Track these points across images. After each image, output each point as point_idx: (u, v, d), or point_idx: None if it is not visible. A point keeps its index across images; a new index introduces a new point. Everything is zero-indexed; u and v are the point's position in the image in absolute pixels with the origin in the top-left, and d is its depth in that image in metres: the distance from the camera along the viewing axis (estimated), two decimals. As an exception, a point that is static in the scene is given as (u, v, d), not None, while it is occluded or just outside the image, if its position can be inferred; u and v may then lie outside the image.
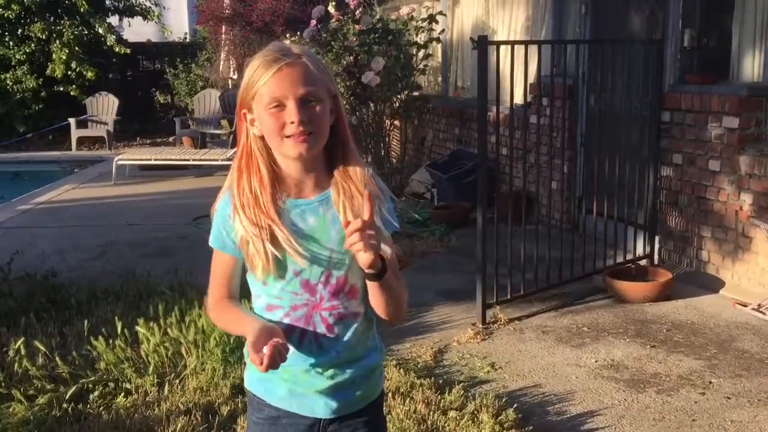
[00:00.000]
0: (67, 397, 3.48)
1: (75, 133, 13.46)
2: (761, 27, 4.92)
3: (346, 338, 1.67)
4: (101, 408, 3.46)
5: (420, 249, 6.27)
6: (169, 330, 3.98)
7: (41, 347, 3.85)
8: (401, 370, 3.73)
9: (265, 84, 1.56)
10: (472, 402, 3.42)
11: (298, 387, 1.68)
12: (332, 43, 8.13)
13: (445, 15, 8.79)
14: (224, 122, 13.36)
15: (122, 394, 3.56)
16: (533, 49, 5.10)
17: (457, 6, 8.97)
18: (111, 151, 12.94)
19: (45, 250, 6.23)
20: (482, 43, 4.48)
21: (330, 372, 1.67)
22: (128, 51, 14.63)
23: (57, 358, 3.80)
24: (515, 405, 3.41)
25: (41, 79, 14.16)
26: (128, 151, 11.68)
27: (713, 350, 4.09)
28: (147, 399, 3.53)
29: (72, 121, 13.45)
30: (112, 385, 3.67)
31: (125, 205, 8.62)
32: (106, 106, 13.98)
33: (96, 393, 3.57)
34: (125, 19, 15.65)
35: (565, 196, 6.52)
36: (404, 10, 8.77)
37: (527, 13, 7.41)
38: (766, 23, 4.89)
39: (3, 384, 3.60)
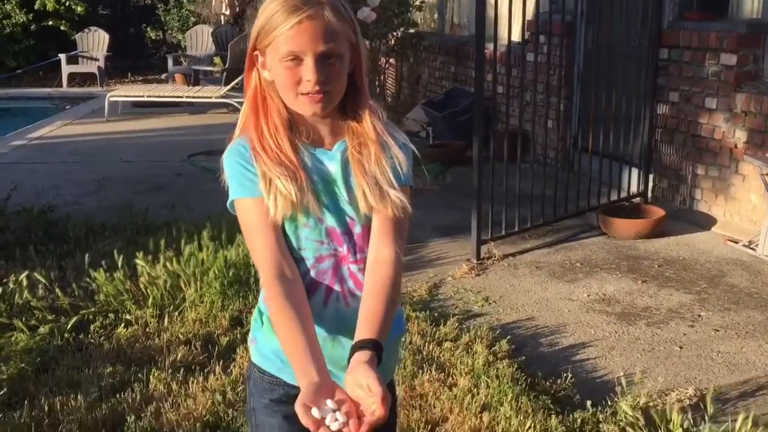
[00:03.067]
0: (68, 328, 3.53)
1: (65, 69, 13.27)
2: (763, -38, 4.86)
3: None
4: (102, 338, 3.52)
5: (415, 187, 6.28)
6: (167, 263, 4.02)
7: (41, 279, 3.89)
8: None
9: (282, 35, 1.45)
10: (466, 334, 3.49)
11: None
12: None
13: (442, -51, 8.63)
14: (217, 59, 13.19)
15: (122, 324, 3.62)
16: (532, -16, 5.04)
17: (455, -60, 8.80)
18: (102, 88, 12.79)
19: (40, 186, 6.22)
20: (481, -23, 4.41)
21: None
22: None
23: (57, 290, 3.84)
24: (508, 337, 3.48)
25: (31, 15, 13.90)
26: (120, 88, 11.55)
27: (703, 285, 4.17)
28: (147, 330, 3.59)
29: (62, 57, 13.26)
30: (112, 316, 3.72)
31: (118, 141, 8.58)
32: (96, 42, 13.75)
33: (96, 323, 3.63)
34: (114, -48, 15.31)
35: (560, 134, 6.52)
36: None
37: (526, -52, 7.27)
38: (767, -42, 4.82)
39: (4, 314, 3.65)
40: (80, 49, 13.68)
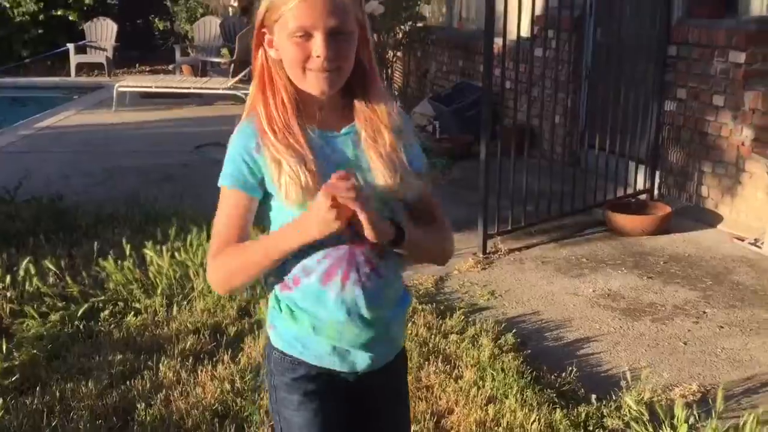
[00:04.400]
0: (78, 315, 3.58)
1: (74, 59, 13.33)
2: (773, -40, 4.86)
3: (389, 278, 1.57)
4: (112, 326, 3.56)
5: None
6: (176, 253, 4.06)
7: (51, 267, 3.93)
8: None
9: (291, 9, 1.44)
10: (472, 327, 3.52)
11: (342, 343, 1.56)
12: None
13: (451, -57, 8.63)
14: (224, 51, 13.20)
15: (132, 313, 3.66)
16: (541, -20, 5.06)
17: (464, -66, 8.79)
18: (110, 78, 12.84)
19: (49, 175, 6.26)
20: (491, -28, 4.42)
21: (376, 320, 1.55)
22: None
23: (67, 278, 3.88)
24: (514, 330, 3.51)
25: (41, 4, 13.93)
26: (128, 78, 11.59)
27: (709, 282, 4.19)
28: (156, 318, 3.63)
29: (71, 46, 13.30)
30: (121, 304, 3.76)
31: (127, 131, 8.61)
32: (104, 32, 13.78)
33: (106, 312, 3.67)
34: (123, -58, 15.29)
35: (567, 130, 6.52)
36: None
37: (536, -57, 7.27)
38: (777, -43, 4.83)
39: (15, 301, 3.69)
40: (88, 39, 13.72)
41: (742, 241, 4.72)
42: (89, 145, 7.81)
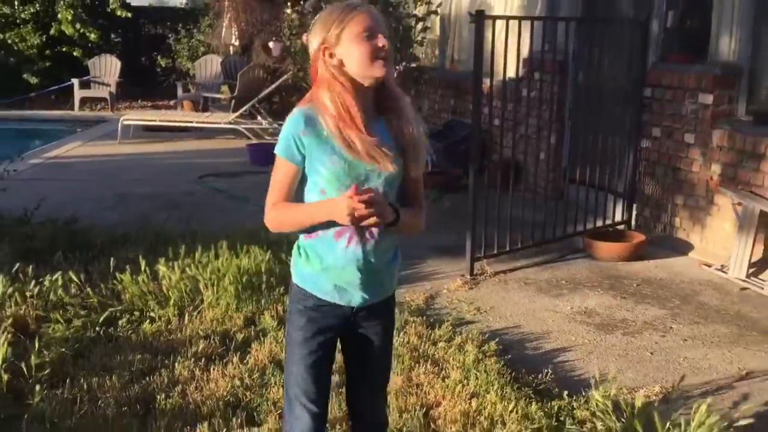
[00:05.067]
0: (99, 322, 3.91)
1: (78, 94, 13.75)
2: (738, 10, 5.30)
3: (384, 243, 2.12)
4: (130, 332, 3.89)
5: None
6: (187, 269, 4.40)
7: (74, 278, 4.26)
8: (396, 311, 4.15)
9: (353, 18, 2.01)
10: (458, 336, 3.87)
11: (342, 283, 2.11)
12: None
13: (444, -11, 9.13)
14: (225, 87, 13.66)
15: (147, 321, 3.99)
16: (527, 25, 5.48)
17: (457, -19, 9.30)
18: (113, 113, 13.26)
19: (61, 200, 6.59)
20: (479, 18, 4.86)
21: (369, 270, 2.10)
22: (129, 15, 14.90)
23: (88, 289, 4.21)
24: (497, 340, 3.86)
25: (44, 37, 14.42)
26: (131, 113, 11.98)
27: (677, 302, 4.55)
28: (170, 326, 3.96)
29: (75, 81, 13.74)
30: (137, 313, 4.10)
31: (132, 162, 8.97)
32: (108, 68, 14.24)
33: (124, 320, 4.00)
34: (128, -17, 15.84)
35: (551, 165, 6.94)
36: (405, -17, 9.08)
37: (523, -9, 7.76)
38: (742, 6, 5.27)
39: (41, 308, 4.02)
40: (92, 74, 14.17)
41: (710, 267, 5.10)
42: (97, 174, 8.18)
